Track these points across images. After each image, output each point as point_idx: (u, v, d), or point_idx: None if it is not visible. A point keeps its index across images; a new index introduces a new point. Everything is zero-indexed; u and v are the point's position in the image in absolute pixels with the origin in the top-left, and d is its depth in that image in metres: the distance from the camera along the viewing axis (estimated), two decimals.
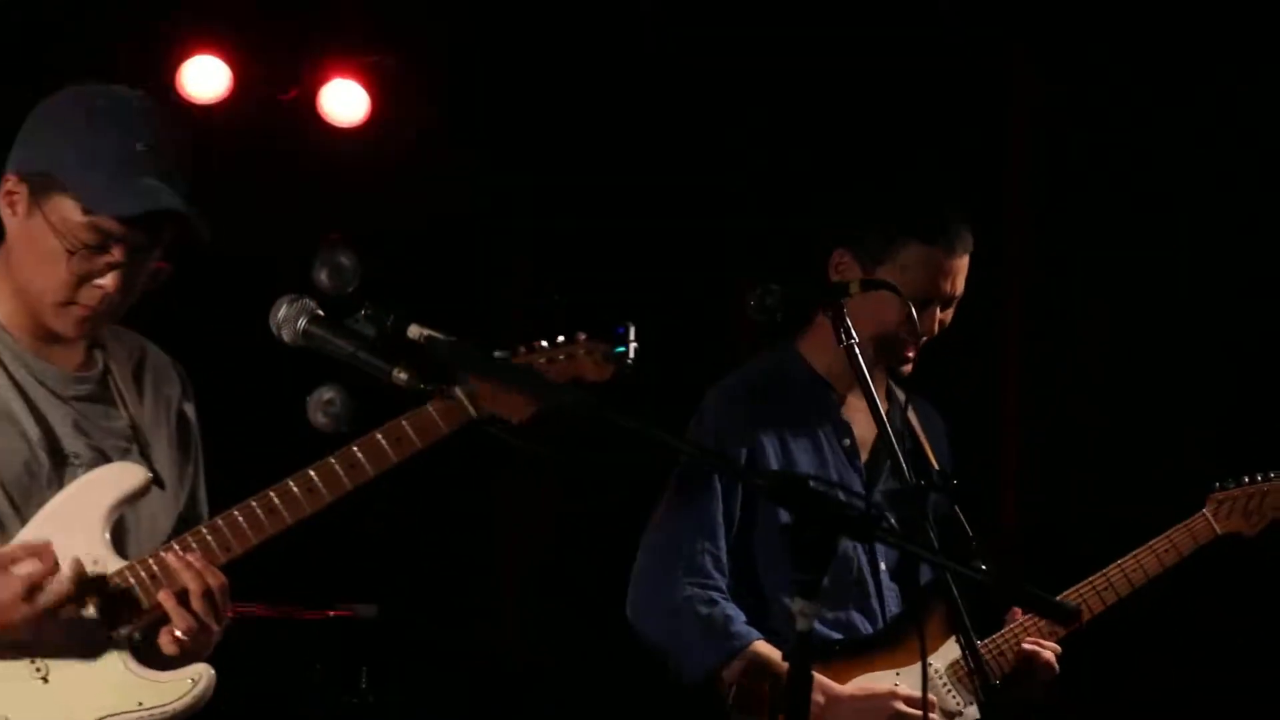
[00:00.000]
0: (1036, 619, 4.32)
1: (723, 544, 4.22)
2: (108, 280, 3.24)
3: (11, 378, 3.31)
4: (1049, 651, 4.34)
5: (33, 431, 3.29)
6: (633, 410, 2.81)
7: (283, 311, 3.10)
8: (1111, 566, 4.45)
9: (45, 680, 3.22)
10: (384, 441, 3.29)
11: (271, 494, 3.30)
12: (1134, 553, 4.47)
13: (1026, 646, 4.32)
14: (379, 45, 6.79)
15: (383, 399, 3.17)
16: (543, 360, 3.33)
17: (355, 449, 3.29)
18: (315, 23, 6.75)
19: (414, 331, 3.00)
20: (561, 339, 3.34)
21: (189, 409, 3.55)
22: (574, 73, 6.81)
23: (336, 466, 3.29)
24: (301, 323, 3.08)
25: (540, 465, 6.44)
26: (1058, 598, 4.22)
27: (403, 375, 2.98)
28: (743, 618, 4.17)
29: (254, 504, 3.30)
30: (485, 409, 3.21)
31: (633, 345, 3.26)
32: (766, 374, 4.39)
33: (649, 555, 4.25)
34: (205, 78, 6.55)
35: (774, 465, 4.19)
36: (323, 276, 3.19)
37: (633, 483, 4.32)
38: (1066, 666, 4.38)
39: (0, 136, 3.35)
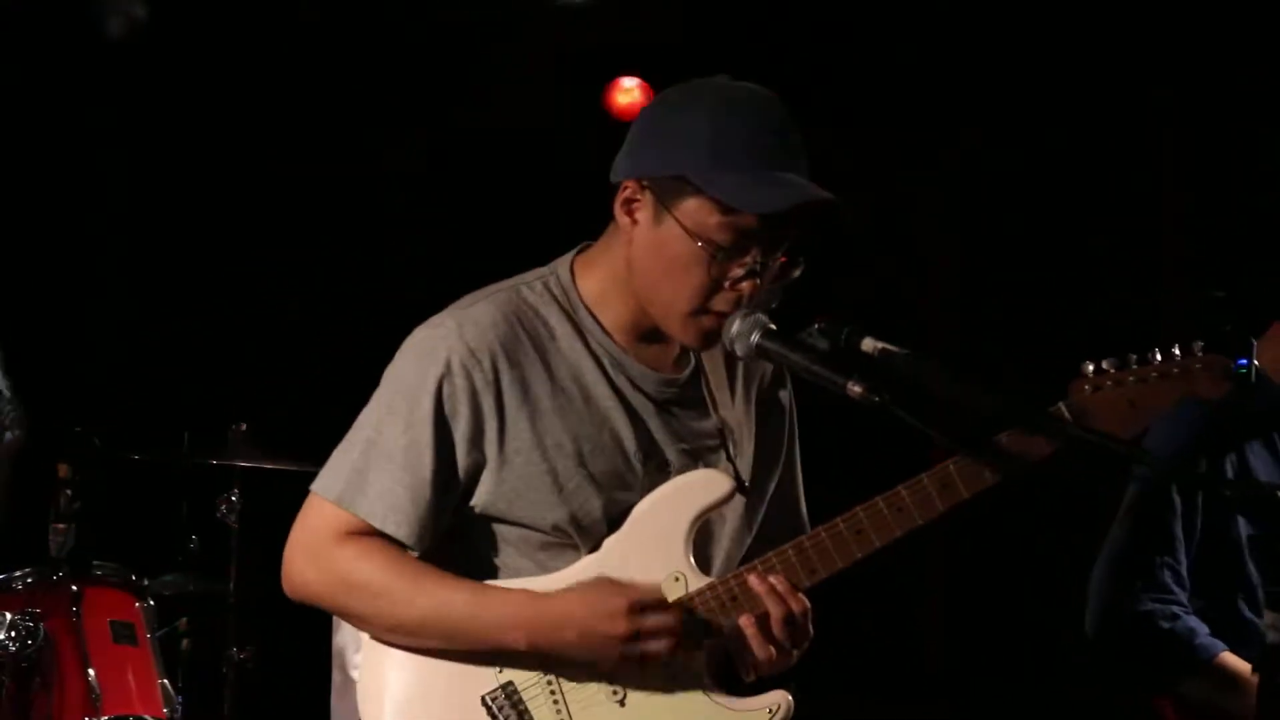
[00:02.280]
0: None
1: (1182, 558, 4.13)
2: (745, 285, 3.06)
3: (612, 384, 3.17)
4: None
5: (630, 444, 3.16)
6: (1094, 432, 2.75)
7: (736, 326, 3.08)
8: None
9: (622, 704, 3.12)
10: (984, 461, 3.07)
11: (860, 513, 3.09)
12: None
13: None
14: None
15: None
16: (1154, 374, 3.08)
17: (951, 466, 3.07)
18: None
19: (868, 345, 3.00)
20: (1177, 351, 3.08)
21: (780, 391, 3.36)
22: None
23: (929, 485, 3.07)
24: (755, 337, 3.06)
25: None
26: None
27: (857, 388, 2.93)
28: (1206, 630, 4.08)
29: (841, 524, 3.09)
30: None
31: (1255, 364, 3.00)
32: None
33: (1107, 570, 4.20)
34: None
35: (1230, 475, 4.11)
36: None
37: (1070, 495, 4.27)
38: None
39: None
